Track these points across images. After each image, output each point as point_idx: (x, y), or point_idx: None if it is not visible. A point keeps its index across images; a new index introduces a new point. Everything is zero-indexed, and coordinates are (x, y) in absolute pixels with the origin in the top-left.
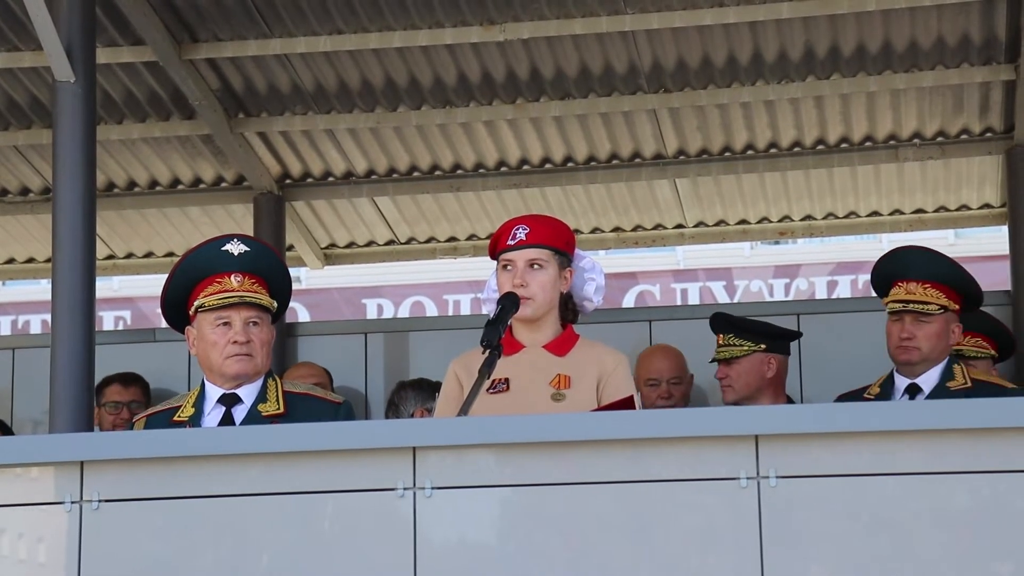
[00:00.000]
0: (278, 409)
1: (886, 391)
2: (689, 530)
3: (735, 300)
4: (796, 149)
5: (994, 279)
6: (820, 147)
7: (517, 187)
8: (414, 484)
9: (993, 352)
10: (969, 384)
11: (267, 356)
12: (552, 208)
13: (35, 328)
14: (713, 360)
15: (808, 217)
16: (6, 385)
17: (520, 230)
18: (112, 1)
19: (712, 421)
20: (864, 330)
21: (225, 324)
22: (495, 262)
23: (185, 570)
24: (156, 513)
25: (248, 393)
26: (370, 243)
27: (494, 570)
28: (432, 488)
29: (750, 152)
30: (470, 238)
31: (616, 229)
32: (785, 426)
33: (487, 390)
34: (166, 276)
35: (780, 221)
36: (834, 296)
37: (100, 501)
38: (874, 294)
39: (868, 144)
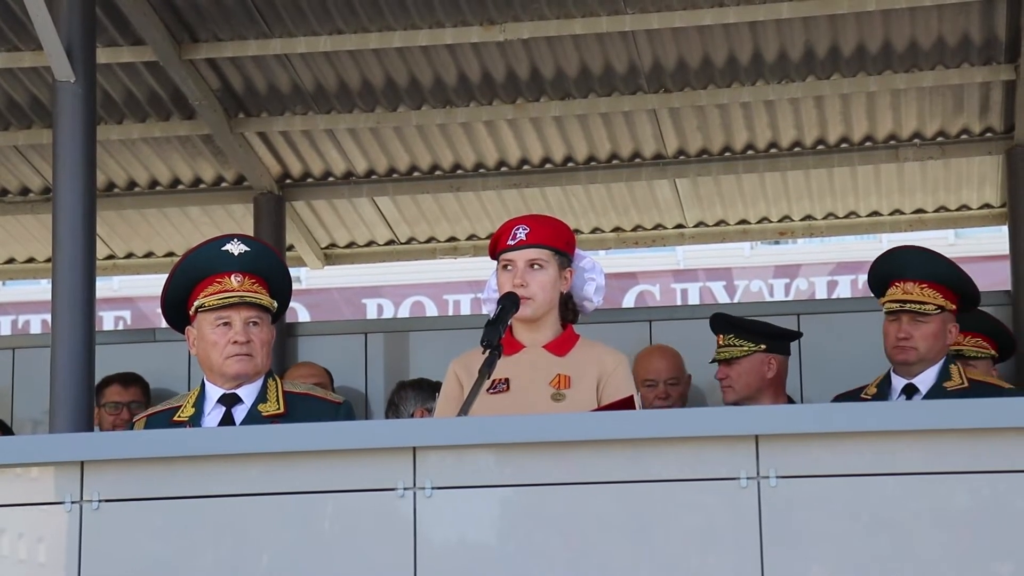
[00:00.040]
0: (278, 409)
1: (883, 391)
2: (689, 530)
3: (735, 300)
4: (796, 149)
5: (994, 279)
6: (820, 147)
7: (517, 187)
8: (414, 484)
9: (993, 352)
10: (966, 384)
11: (267, 356)
12: (552, 208)
13: (35, 328)
14: (713, 361)
15: (808, 217)
16: (6, 385)
17: (520, 230)
18: (112, 1)
19: (712, 421)
20: (864, 330)
21: (225, 324)
22: (495, 262)
23: (185, 570)
24: (156, 513)
25: (248, 393)
26: (370, 243)
27: (494, 570)
28: (432, 488)
29: (750, 152)
30: (470, 238)
31: (616, 229)
32: (785, 426)
33: (487, 390)
34: (166, 276)
35: (780, 221)
36: (834, 296)
37: (100, 501)
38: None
39: (868, 144)
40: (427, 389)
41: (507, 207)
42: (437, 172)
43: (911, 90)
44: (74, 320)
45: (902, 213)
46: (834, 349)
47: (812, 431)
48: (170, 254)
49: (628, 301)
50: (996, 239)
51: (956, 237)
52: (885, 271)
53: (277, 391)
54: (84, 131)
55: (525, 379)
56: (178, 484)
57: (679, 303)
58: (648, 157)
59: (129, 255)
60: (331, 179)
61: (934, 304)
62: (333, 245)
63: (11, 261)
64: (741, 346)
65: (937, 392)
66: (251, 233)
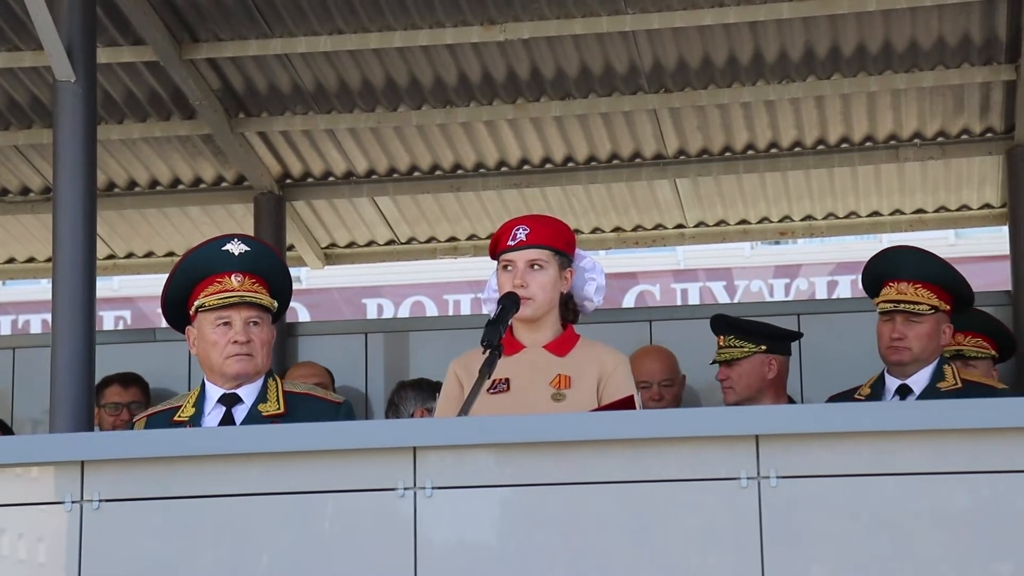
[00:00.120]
0: (278, 409)
1: (876, 392)
2: (689, 530)
3: (735, 300)
4: (797, 149)
5: (994, 279)
6: (821, 147)
7: (517, 187)
8: (414, 484)
9: (993, 352)
10: (959, 385)
11: (267, 356)
12: (552, 208)
13: (35, 328)
14: (714, 362)
15: (808, 217)
16: (6, 385)
17: (520, 230)
18: (112, 1)
19: (712, 421)
20: (864, 330)
21: (225, 324)
22: (495, 262)
23: (185, 570)
24: (156, 513)
25: (248, 393)
26: (370, 243)
27: (494, 570)
28: (432, 488)
29: (751, 152)
30: (470, 238)
31: (616, 229)
32: (785, 426)
33: (487, 390)
34: (166, 276)
35: (780, 221)
36: (834, 296)
37: (100, 501)
38: None
39: (869, 144)
40: (427, 389)
41: (507, 207)
42: (437, 172)
43: (911, 90)
44: (74, 320)
45: (902, 213)
46: (834, 349)
47: (812, 431)
48: (170, 254)
49: (628, 301)
50: (996, 239)
51: (956, 237)
52: (879, 271)
53: (277, 391)
54: (84, 131)
55: (525, 379)
56: (178, 484)
57: (679, 303)
58: (648, 157)
59: (129, 255)
60: (331, 179)
61: (928, 304)
62: (333, 245)
63: (11, 261)
64: (741, 347)
65: (931, 393)
66: (251, 233)
